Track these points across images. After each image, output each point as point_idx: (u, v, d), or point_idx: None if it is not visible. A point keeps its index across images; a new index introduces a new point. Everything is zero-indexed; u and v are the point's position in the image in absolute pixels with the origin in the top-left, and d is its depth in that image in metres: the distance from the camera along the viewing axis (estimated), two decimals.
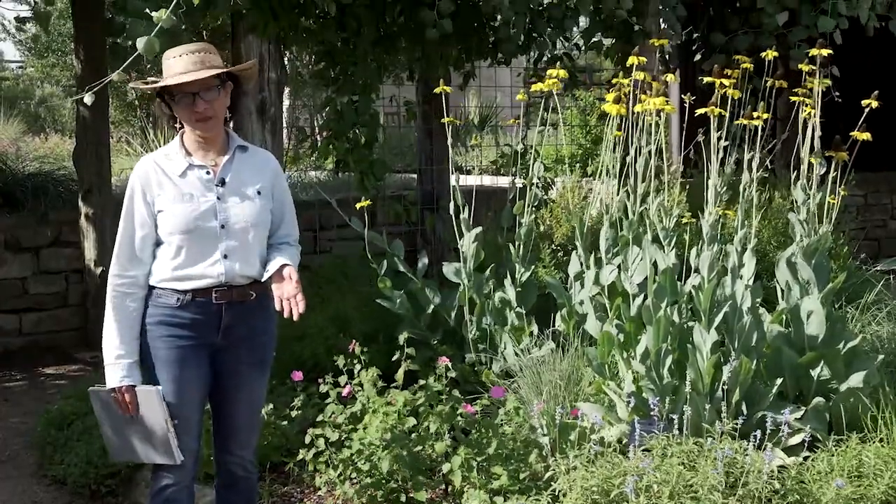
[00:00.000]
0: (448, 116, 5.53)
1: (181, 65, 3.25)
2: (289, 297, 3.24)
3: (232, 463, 3.53)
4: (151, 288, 3.32)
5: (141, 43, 3.77)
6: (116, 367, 3.27)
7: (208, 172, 3.33)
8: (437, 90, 5.51)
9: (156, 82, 3.29)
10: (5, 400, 6.49)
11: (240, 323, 3.35)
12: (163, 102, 3.35)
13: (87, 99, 3.60)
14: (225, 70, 3.32)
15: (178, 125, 3.36)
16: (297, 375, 4.65)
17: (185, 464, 3.33)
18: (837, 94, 6.09)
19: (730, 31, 7.68)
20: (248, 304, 3.35)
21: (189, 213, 3.27)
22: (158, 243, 3.31)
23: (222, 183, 3.32)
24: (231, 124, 3.50)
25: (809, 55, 4.87)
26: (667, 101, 4.62)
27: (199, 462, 3.54)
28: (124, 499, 4.58)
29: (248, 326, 3.38)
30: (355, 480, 4.12)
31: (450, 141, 5.66)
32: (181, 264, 3.28)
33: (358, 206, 5.23)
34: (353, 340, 4.43)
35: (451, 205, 5.50)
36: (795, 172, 4.93)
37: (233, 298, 3.31)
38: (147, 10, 4.37)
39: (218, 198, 3.30)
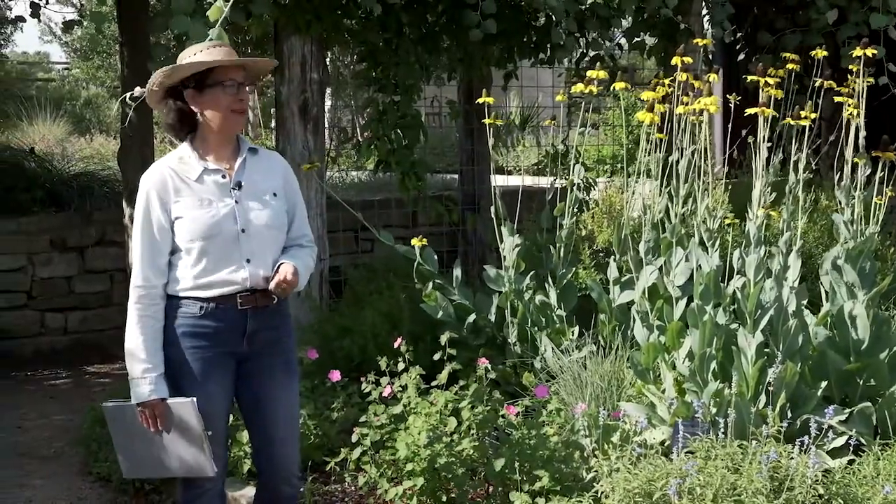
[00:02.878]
0: (490, 117, 5.48)
1: (222, 53, 3.22)
2: (278, 281, 3.22)
3: (279, 480, 3.43)
4: (171, 298, 3.24)
5: (213, 32, 3.83)
6: (144, 381, 3.18)
7: (224, 176, 3.28)
8: (480, 100, 5.45)
9: (187, 65, 3.20)
10: (51, 398, 6.58)
11: (264, 328, 3.31)
12: (177, 101, 3.26)
13: (137, 92, 3.66)
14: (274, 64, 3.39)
15: (198, 120, 3.28)
16: (335, 375, 4.64)
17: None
18: None
19: (776, 31, 7.59)
20: (270, 309, 3.32)
21: (209, 219, 3.21)
22: (175, 251, 3.24)
23: (239, 186, 3.28)
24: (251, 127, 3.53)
25: (854, 55, 4.80)
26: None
27: (227, 466, 3.53)
28: (168, 496, 4.62)
29: (272, 330, 3.35)
30: (397, 480, 4.13)
31: (491, 142, 5.62)
32: (204, 271, 3.21)
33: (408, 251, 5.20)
34: (399, 337, 4.44)
35: (493, 208, 5.47)
36: (839, 174, 4.86)
37: (257, 303, 3.27)
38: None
39: (236, 201, 3.26)
